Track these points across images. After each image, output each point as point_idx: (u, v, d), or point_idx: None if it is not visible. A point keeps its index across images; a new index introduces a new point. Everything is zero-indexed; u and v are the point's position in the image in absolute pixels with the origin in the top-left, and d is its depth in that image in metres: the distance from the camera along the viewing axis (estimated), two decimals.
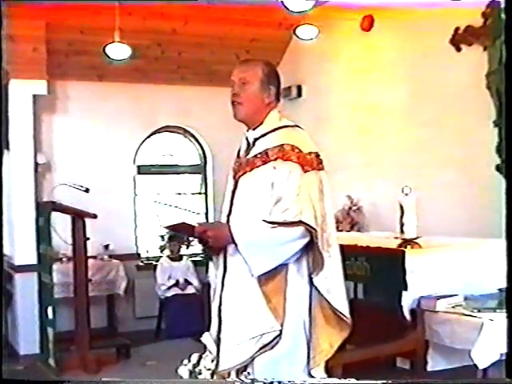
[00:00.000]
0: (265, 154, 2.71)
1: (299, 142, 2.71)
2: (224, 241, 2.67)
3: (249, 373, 2.64)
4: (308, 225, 2.57)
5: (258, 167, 2.72)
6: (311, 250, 2.63)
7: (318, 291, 2.66)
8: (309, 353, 2.67)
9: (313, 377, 2.67)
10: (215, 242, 2.73)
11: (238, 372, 2.67)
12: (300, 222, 2.57)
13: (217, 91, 7.17)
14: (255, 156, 2.75)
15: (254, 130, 2.81)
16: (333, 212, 2.81)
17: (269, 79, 2.80)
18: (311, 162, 2.68)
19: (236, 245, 2.63)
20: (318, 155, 2.74)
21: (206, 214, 8.09)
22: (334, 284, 2.68)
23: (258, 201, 2.67)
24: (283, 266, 2.63)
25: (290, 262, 2.64)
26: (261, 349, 2.60)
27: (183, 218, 2.79)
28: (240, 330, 2.65)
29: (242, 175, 2.78)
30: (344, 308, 2.69)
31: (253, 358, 2.62)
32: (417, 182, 4.94)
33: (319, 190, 2.68)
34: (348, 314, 2.70)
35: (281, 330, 2.60)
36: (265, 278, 2.61)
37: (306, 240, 2.60)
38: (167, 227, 3.03)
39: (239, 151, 2.89)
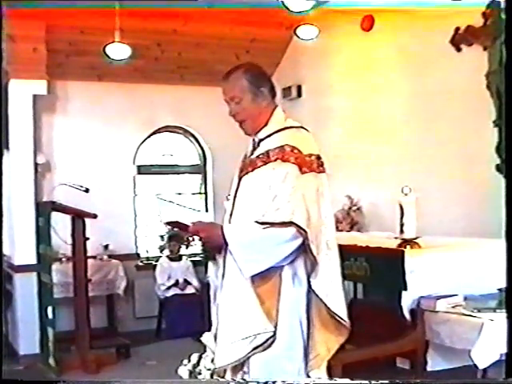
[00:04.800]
0: (266, 155, 2.72)
1: (300, 143, 2.71)
2: (216, 241, 2.68)
3: (245, 372, 2.64)
4: (299, 226, 2.55)
5: (259, 167, 2.73)
6: (307, 252, 2.62)
7: (317, 295, 2.65)
8: (306, 355, 2.67)
9: (309, 377, 2.66)
10: (208, 242, 2.75)
11: (235, 370, 2.68)
12: (291, 223, 2.56)
13: (217, 91, 7.11)
14: (257, 156, 2.76)
15: (259, 131, 2.82)
16: (333, 215, 2.80)
17: (256, 83, 2.79)
18: (310, 164, 2.67)
19: (228, 246, 2.63)
20: (319, 157, 2.73)
21: (207, 212, 8.10)
22: (332, 287, 2.67)
23: (256, 201, 2.67)
24: (277, 268, 2.62)
25: (284, 264, 2.63)
26: (254, 349, 2.60)
27: (182, 215, 2.80)
28: (234, 329, 2.65)
29: (245, 175, 2.79)
30: (342, 312, 2.68)
31: (247, 358, 2.62)
32: (417, 182, 4.94)
33: (318, 193, 2.67)
34: (347, 318, 2.69)
35: (274, 332, 2.60)
36: (259, 280, 2.61)
37: (298, 242, 2.58)
38: (165, 223, 3.05)
39: (246, 151, 2.90)
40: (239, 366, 2.66)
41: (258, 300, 2.60)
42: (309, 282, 2.66)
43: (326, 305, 2.64)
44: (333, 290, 2.67)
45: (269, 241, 2.59)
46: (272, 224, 2.58)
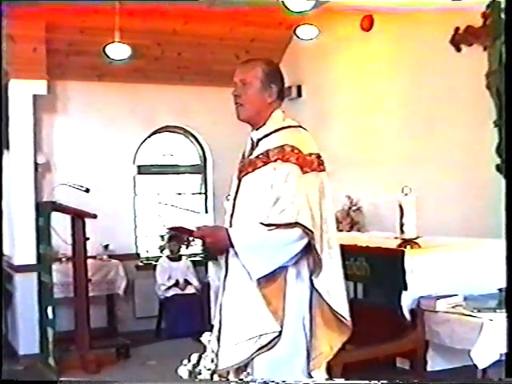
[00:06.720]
0: (266, 155, 2.71)
1: (300, 142, 2.71)
2: (222, 245, 2.67)
3: (248, 373, 2.64)
4: (304, 226, 2.56)
5: (259, 168, 2.72)
6: (310, 252, 2.62)
7: (319, 293, 2.65)
8: (309, 355, 2.67)
9: (312, 377, 2.66)
10: (213, 247, 2.75)
11: (238, 371, 2.67)
12: (296, 224, 2.56)
13: (217, 91, 7.18)
14: (257, 157, 2.75)
15: (257, 130, 2.82)
16: (333, 214, 2.80)
17: (269, 78, 2.80)
18: (311, 163, 2.67)
19: (234, 249, 2.63)
20: (319, 156, 2.73)
21: (206, 213, 8.09)
22: (334, 286, 2.67)
23: (258, 202, 2.67)
24: (282, 269, 2.62)
25: (289, 264, 2.63)
26: (259, 349, 2.60)
27: (184, 219, 2.80)
28: (239, 330, 2.65)
29: (245, 175, 2.79)
30: (344, 311, 2.68)
31: (252, 358, 2.62)
32: (417, 182, 4.94)
33: (319, 192, 2.67)
34: (348, 317, 2.69)
35: (280, 332, 2.60)
36: (264, 281, 2.60)
37: (304, 242, 2.58)
38: (169, 228, 3.05)
39: (245, 151, 2.89)
40: (242, 366, 2.65)
41: (264, 301, 2.60)
42: (311, 281, 2.65)
43: (328, 303, 2.65)
44: (335, 289, 2.67)
45: (275, 242, 2.58)
46: (277, 225, 2.58)
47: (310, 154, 2.69)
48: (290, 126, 2.80)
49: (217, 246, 2.72)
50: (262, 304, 2.60)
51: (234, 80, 2.82)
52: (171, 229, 2.92)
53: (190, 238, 7.54)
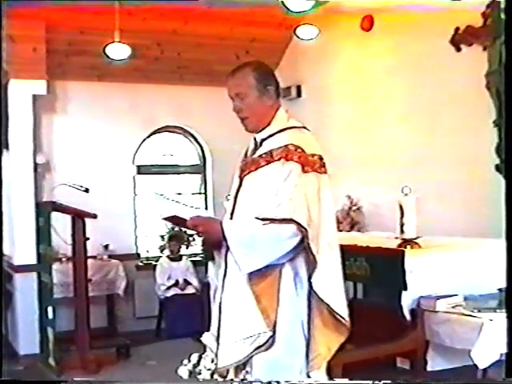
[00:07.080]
0: (269, 154, 2.71)
1: (304, 142, 2.71)
2: (215, 236, 2.66)
3: (247, 371, 2.64)
4: (299, 224, 2.55)
5: (262, 167, 2.72)
6: (308, 252, 2.62)
7: (318, 295, 2.63)
8: (308, 355, 2.66)
9: (310, 377, 2.66)
10: (206, 237, 2.76)
11: (237, 370, 2.67)
12: (291, 220, 2.55)
13: (217, 91, 7.14)
14: (260, 156, 2.75)
15: (261, 130, 2.82)
16: (334, 216, 2.80)
17: (264, 82, 2.78)
18: (313, 164, 2.67)
19: (226, 241, 2.62)
20: (321, 158, 2.72)
21: (206, 210, 8.10)
22: (333, 287, 2.66)
23: (259, 200, 2.66)
24: (277, 267, 2.61)
25: (283, 261, 2.61)
26: (257, 349, 2.60)
27: (180, 212, 2.79)
28: (235, 329, 2.65)
29: (247, 174, 2.79)
30: (343, 311, 2.67)
31: (250, 357, 2.61)
32: (417, 182, 4.94)
33: (319, 193, 2.66)
34: (347, 318, 2.68)
35: (274, 332, 2.59)
36: (256, 278, 2.59)
37: (297, 240, 2.57)
38: (163, 218, 3.04)
39: (247, 151, 2.89)
40: (241, 365, 2.65)
41: (254, 298, 2.59)
42: (310, 282, 2.65)
43: (327, 305, 2.63)
44: (334, 290, 2.66)
45: (268, 237, 2.57)
46: (272, 220, 2.57)
47: (313, 155, 2.69)
48: (294, 127, 2.80)
49: (210, 237, 2.72)
50: (252, 302, 2.59)
51: (228, 94, 2.80)
52: (166, 218, 2.91)
53: (190, 238, 7.56)
